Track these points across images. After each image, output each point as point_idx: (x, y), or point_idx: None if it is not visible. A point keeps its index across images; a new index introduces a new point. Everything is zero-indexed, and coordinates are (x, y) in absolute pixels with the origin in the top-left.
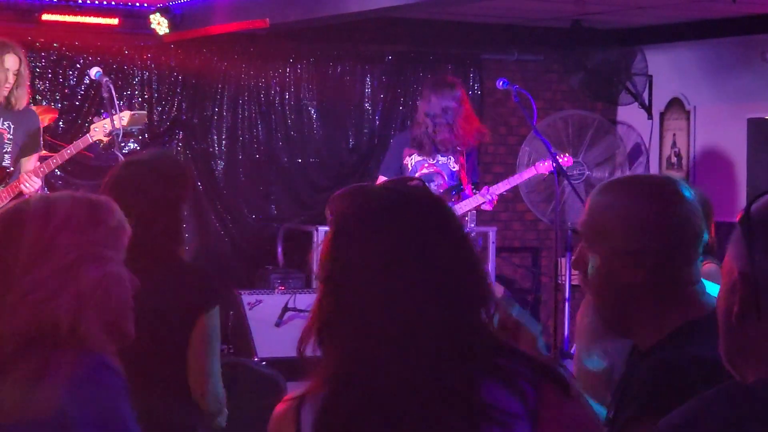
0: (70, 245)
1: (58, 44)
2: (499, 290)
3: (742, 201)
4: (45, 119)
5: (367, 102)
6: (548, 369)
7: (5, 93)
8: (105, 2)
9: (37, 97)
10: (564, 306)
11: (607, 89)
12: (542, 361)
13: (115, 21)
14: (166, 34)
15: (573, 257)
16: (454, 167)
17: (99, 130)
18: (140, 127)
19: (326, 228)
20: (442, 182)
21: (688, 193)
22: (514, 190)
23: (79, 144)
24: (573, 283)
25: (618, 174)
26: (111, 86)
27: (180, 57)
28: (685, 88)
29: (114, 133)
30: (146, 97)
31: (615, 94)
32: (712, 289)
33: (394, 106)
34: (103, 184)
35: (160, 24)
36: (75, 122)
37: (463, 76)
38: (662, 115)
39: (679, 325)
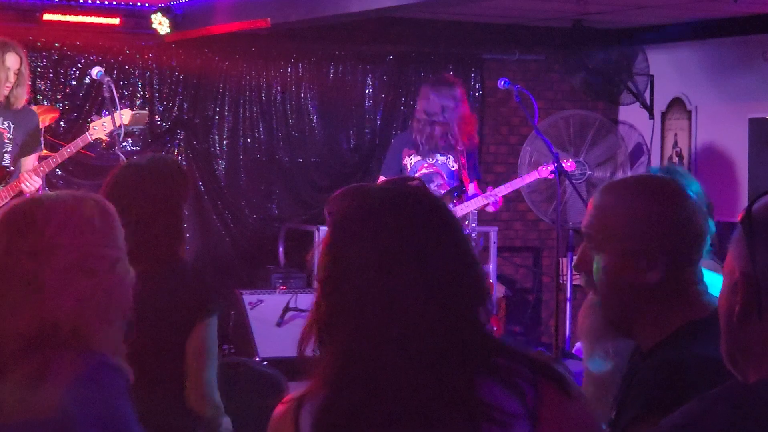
0: (71, 245)
1: (59, 44)
2: (500, 290)
3: (744, 201)
4: (46, 119)
5: (369, 102)
6: (547, 368)
7: (5, 92)
8: (106, 2)
9: (39, 96)
10: (565, 306)
11: (608, 89)
12: (541, 361)
13: (116, 21)
14: (167, 34)
15: (575, 259)
16: (453, 166)
17: (98, 128)
18: (142, 126)
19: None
20: (441, 182)
21: (692, 192)
22: (516, 189)
23: (79, 143)
24: (574, 282)
25: (619, 174)
26: (112, 86)
27: (181, 57)
28: (687, 87)
29: (115, 133)
30: (147, 97)
31: (616, 93)
32: (715, 280)
33: (395, 106)
34: (103, 185)
35: (161, 24)
36: (76, 122)
37: (464, 76)
38: (664, 114)
39: (682, 324)
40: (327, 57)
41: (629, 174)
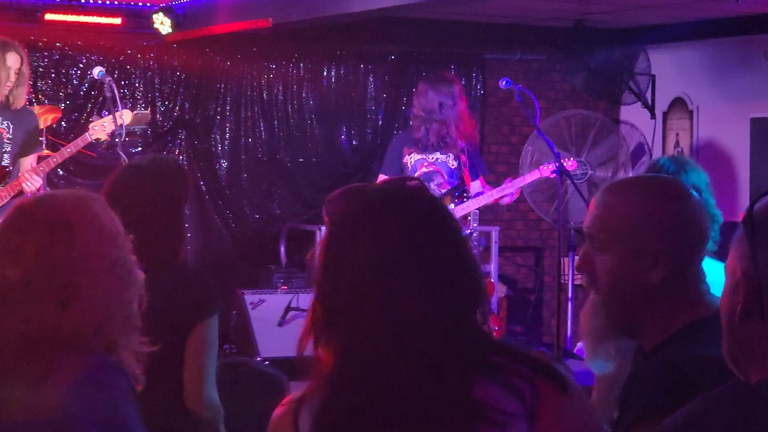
0: (71, 245)
1: (60, 44)
2: (502, 290)
3: (745, 200)
4: (48, 119)
5: (370, 102)
6: (545, 366)
7: (6, 91)
8: (108, 2)
9: (40, 96)
10: (567, 305)
11: (610, 89)
12: (540, 360)
13: (117, 20)
14: (168, 34)
15: (577, 259)
16: (453, 165)
17: (98, 128)
18: (143, 126)
19: None
20: (441, 181)
21: (700, 182)
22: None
23: (78, 143)
24: (576, 282)
25: (621, 174)
26: (114, 86)
27: (183, 57)
28: (688, 87)
29: (117, 133)
30: (149, 96)
31: (618, 93)
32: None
33: (396, 105)
34: (104, 185)
35: (163, 23)
36: (78, 122)
37: (466, 76)
38: (665, 114)
39: (684, 324)
40: (328, 57)
41: (630, 174)
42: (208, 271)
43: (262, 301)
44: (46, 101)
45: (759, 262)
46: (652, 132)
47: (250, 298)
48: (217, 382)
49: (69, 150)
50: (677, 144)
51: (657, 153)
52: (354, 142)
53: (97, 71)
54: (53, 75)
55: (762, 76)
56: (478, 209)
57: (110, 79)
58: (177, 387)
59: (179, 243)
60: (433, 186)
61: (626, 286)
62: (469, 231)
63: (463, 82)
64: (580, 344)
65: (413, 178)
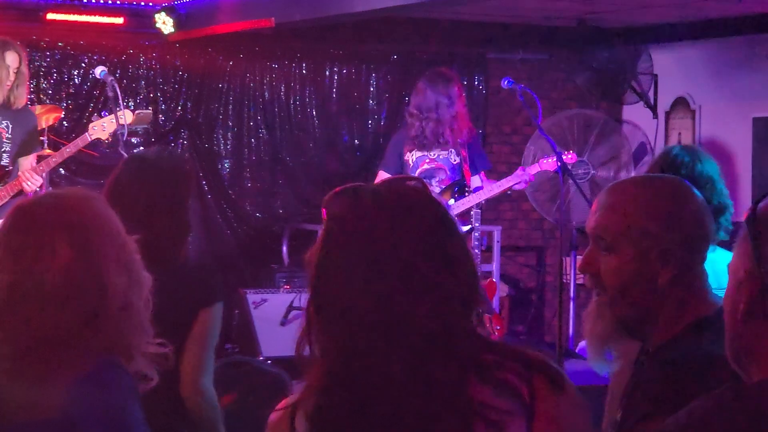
0: (71, 244)
1: (62, 43)
2: (504, 289)
3: (747, 200)
4: (50, 118)
5: (372, 101)
6: (540, 363)
7: (6, 90)
8: (110, 1)
9: (42, 96)
10: (569, 305)
11: (612, 88)
12: (534, 356)
13: (120, 20)
14: (171, 34)
15: (581, 260)
16: (455, 161)
17: (98, 129)
18: (145, 126)
19: None
20: (444, 177)
21: (709, 181)
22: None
23: (78, 143)
24: (578, 282)
25: (623, 173)
26: (116, 85)
27: (185, 56)
28: (691, 87)
29: (119, 132)
30: (151, 96)
31: (620, 93)
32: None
33: (399, 105)
34: (106, 182)
35: (165, 23)
36: (79, 121)
37: (468, 75)
38: (667, 114)
39: (689, 323)
40: (331, 57)
41: (633, 173)
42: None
43: (265, 300)
44: (47, 101)
45: (762, 262)
46: (654, 132)
47: (252, 297)
48: (219, 381)
49: (68, 150)
50: (679, 144)
51: (659, 153)
52: (356, 142)
53: (99, 71)
54: (55, 74)
55: (764, 75)
56: (478, 205)
57: (112, 78)
58: (177, 387)
59: (182, 240)
60: (435, 182)
61: (635, 286)
62: (470, 226)
63: (465, 82)
64: (582, 344)
65: (414, 178)
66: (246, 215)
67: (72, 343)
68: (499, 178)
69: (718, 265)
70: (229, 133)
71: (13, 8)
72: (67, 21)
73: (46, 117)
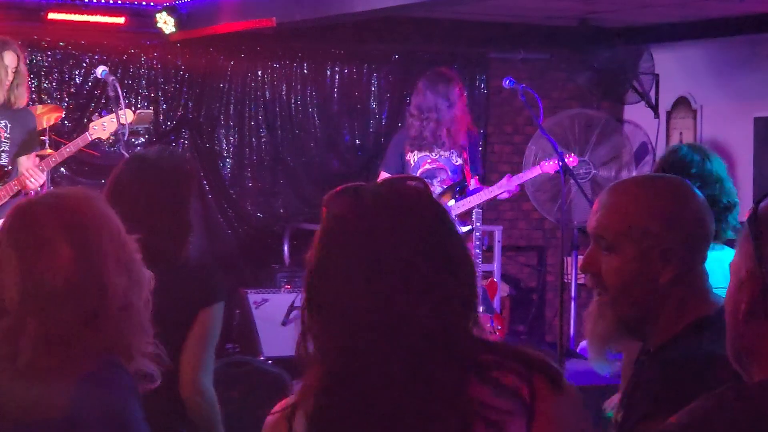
0: (70, 243)
1: (64, 43)
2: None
3: (749, 200)
4: (51, 118)
5: (374, 101)
6: (540, 363)
7: (5, 90)
8: (111, 1)
9: (43, 95)
10: (570, 305)
11: (613, 88)
12: (534, 355)
13: (121, 20)
14: (172, 33)
15: (582, 260)
16: (457, 161)
17: (98, 128)
18: (147, 126)
19: None
20: (445, 177)
21: (707, 191)
22: (520, 188)
23: (78, 142)
24: (579, 281)
25: (624, 173)
26: (117, 85)
27: (186, 56)
28: (692, 87)
29: (120, 132)
30: (152, 96)
31: (622, 92)
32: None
33: (400, 105)
34: (107, 182)
35: (166, 23)
36: (81, 121)
37: (469, 75)
38: (669, 114)
39: (690, 322)
40: (332, 56)
41: (634, 173)
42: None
43: (266, 300)
44: (49, 100)
45: (763, 262)
46: (655, 131)
47: (253, 297)
48: (220, 381)
49: (68, 149)
50: (680, 142)
51: (660, 152)
52: (357, 142)
53: (100, 70)
54: (56, 74)
55: (766, 75)
56: (479, 205)
57: (113, 78)
58: (177, 387)
59: (182, 241)
60: (436, 183)
61: (636, 285)
62: (471, 227)
63: (467, 82)
64: (583, 343)
65: (415, 178)
66: (247, 215)
67: (72, 342)
68: (500, 178)
69: (726, 264)
70: (230, 133)
71: (15, 8)
72: (68, 21)
73: (48, 117)
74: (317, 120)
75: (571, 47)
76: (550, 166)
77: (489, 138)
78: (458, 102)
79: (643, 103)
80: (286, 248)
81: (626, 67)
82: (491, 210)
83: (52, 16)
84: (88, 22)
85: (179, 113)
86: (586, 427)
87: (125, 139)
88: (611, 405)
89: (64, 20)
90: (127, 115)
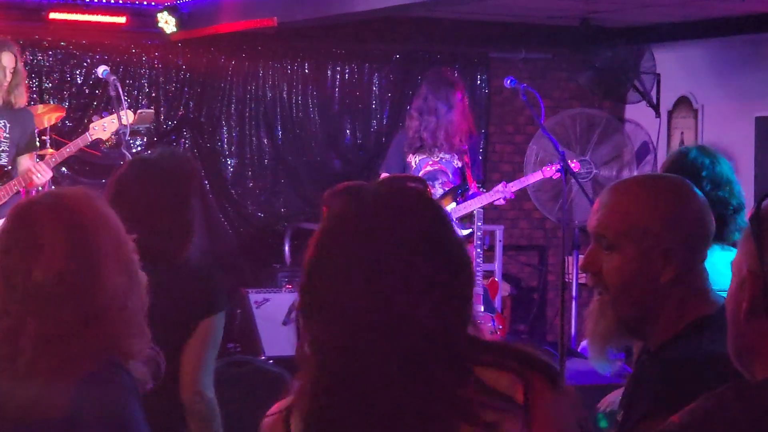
0: (70, 243)
1: (65, 43)
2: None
3: (750, 199)
4: (52, 118)
5: (375, 101)
6: (538, 362)
7: (3, 91)
8: (112, 1)
9: (44, 95)
10: (571, 304)
11: (615, 88)
12: (530, 354)
13: (122, 20)
14: (173, 33)
15: (583, 259)
16: (457, 164)
17: (98, 129)
18: (148, 125)
19: None
20: (446, 180)
21: (726, 182)
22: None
23: (78, 142)
24: (580, 281)
25: (626, 173)
26: (118, 85)
27: (187, 56)
28: (693, 86)
29: (121, 132)
30: (153, 95)
31: (623, 92)
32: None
33: (401, 105)
34: (109, 182)
35: (167, 23)
36: (82, 121)
37: (470, 75)
38: (670, 113)
39: (691, 322)
40: (333, 56)
41: (635, 173)
42: (215, 269)
43: (267, 300)
44: (50, 100)
45: (765, 261)
46: (656, 131)
47: (254, 297)
48: (221, 380)
49: (69, 149)
50: (682, 143)
51: (662, 152)
52: (358, 141)
53: (101, 70)
54: (57, 74)
55: (767, 75)
56: (480, 208)
57: (115, 78)
58: (177, 388)
59: (186, 242)
60: (437, 185)
61: (637, 285)
62: (472, 230)
63: (468, 82)
64: (584, 343)
65: (415, 178)
66: (248, 215)
67: (72, 342)
68: (501, 178)
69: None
70: (231, 133)
71: (16, 8)
72: (69, 20)
73: (49, 116)
74: (318, 119)
75: (573, 47)
76: (550, 171)
77: (490, 138)
78: (458, 106)
79: (644, 102)
80: (287, 248)
81: (627, 67)
82: (492, 209)
83: (53, 15)
84: (89, 21)
85: (180, 113)
86: (584, 427)
87: (126, 139)
88: (603, 405)
89: (65, 20)
90: (128, 116)
